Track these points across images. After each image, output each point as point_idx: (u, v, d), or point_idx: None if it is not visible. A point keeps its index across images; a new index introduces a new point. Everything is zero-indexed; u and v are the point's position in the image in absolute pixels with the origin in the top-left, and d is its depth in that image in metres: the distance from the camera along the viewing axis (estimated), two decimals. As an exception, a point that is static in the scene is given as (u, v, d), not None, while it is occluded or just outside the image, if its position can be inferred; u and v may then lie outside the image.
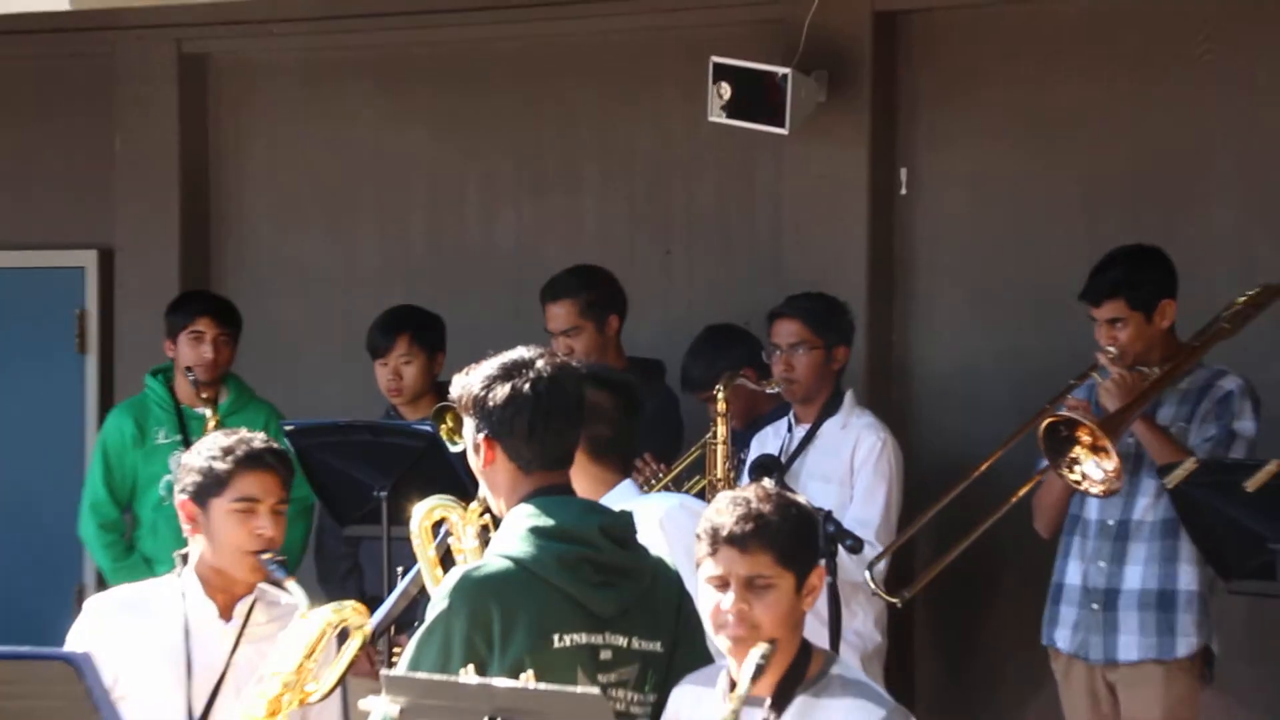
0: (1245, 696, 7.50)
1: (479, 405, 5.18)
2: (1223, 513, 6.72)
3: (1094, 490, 7.10)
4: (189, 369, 8.74)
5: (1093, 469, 7.08)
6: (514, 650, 4.98)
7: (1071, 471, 7.10)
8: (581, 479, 5.55)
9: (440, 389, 8.14)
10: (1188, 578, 7.33)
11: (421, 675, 4.86)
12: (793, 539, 4.65)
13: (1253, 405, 7.33)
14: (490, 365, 5.22)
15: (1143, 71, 8.32)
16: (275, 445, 5.88)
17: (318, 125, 9.68)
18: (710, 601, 4.67)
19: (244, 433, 5.84)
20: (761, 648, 4.53)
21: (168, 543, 8.43)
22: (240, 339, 8.93)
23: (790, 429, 7.93)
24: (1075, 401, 7.27)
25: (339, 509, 8.12)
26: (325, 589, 8.57)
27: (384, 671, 4.84)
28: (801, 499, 4.76)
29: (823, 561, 5.29)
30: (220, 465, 5.72)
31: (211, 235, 9.90)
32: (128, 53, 9.72)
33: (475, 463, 5.23)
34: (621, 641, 5.12)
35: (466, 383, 5.23)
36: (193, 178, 9.84)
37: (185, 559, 5.81)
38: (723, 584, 4.64)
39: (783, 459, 7.80)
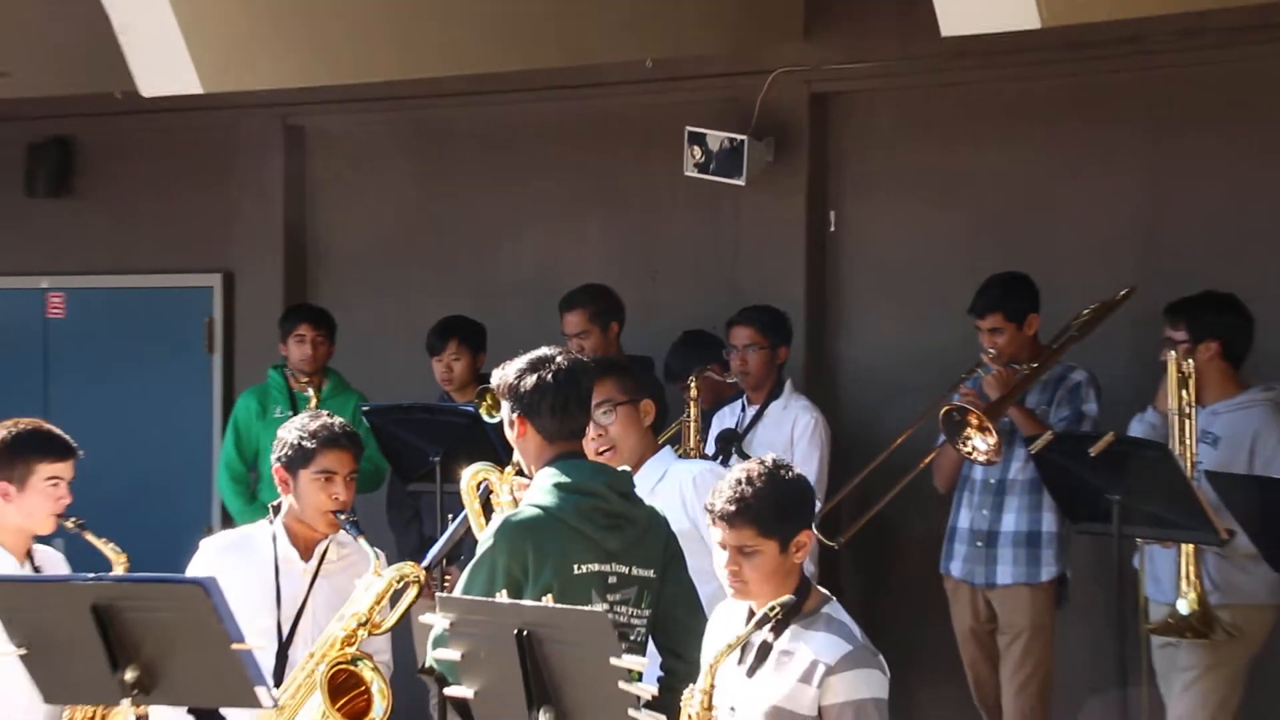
0: (1088, 610, 7.50)
1: (513, 390, 5.19)
2: (1073, 472, 6.71)
3: (980, 459, 7.13)
4: (296, 364, 8.76)
5: (979, 443, 7.10)
6: (544, 577, 4.99)
7: (965, 445, 7.12)
8: (639, 443, 5.65)
9: (482, 380, 8.16)
10: (1049, 522, 7.35)
11: (467, 597, 4.89)
12: (773, 513, 4.53)
13: (1096, 392, 7.36)
14: (521, 360, 5.23)
15: (1013, 139, 8.32)
16: (350, 428, 5.82)
17: (386, 178, 9.64)
18: (717, 558, 4.63)
19: (326, 417, 5.79)
20: (781, 600, 4.44)
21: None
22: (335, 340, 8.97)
23: (744, 409, 7.92)
24: (967, 390, 7.29)
25: (404, 470, 8.13)
26: (394, 531, 8.61)
27: (439, 595, 4.84)
28: (794, 474, 4.62)
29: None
30: (308, 443, 5.68)
31: (308, 262, 9.90)
32: (245, 125, 9.70)
33: (510, 435, 5.24)
34: (624, 570, 5.13)
35: (504, 374, 5.23)
36: (292, 218, 9.83)
37: (277, 510, 5.78)
38: (721, 547, 4.58)
39: (739, 432, 7.83)
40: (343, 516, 5.66)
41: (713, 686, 4.43)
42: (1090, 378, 7.36)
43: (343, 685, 5.37)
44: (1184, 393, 6.73)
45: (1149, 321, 7.37)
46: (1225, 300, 6.97)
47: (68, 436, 5.84)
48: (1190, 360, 6.78)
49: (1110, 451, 6.51)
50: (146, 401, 9.97)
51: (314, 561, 5.73)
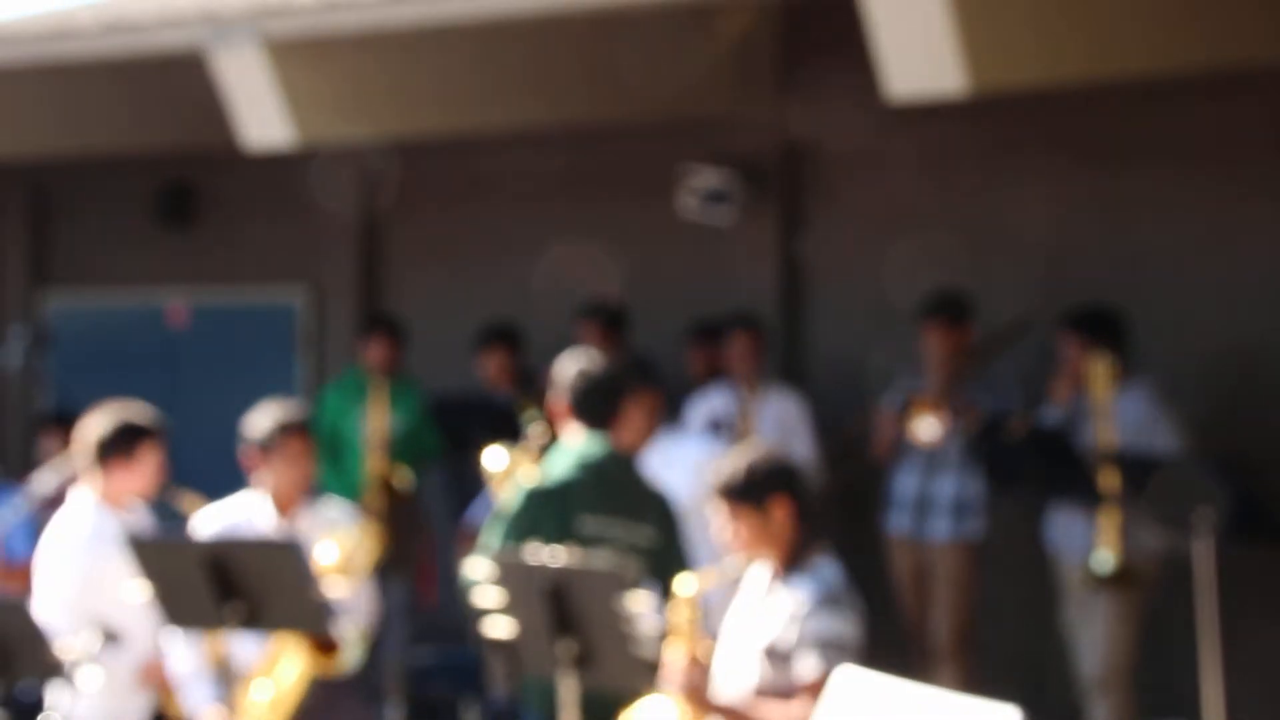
0: (1007, 561, 7.49)
1: (562, 384, 5.27)
2: (997, 450, 6.78)
3: (932, 435, 7.12)
4: (374, 364, 8.74)
5: (931, 422, 7.10)
6: (556, 535, 5.00)
7: (915, 428, 7.12)
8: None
9: (520, 376, 8.19)
10: (978, 488, 7.33)
11: (503, 550, 4.94)
12: (741, 486, 4.58)
13: (1019, 384, 7.33)
14: (568, 358, 5.33)
15: (953, 179, 8.31)
16: (304, 416, 5.86)
17: (442, 212, 9.65)
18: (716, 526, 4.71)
19: (290, 407, 5.85)
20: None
21: (356, 468, 8.51)
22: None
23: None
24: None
25: (455, 445, 8.17)
26: (445, 494, 8.63)
27: (481, 550, 4.86)
28: (763, 453, 4.67)
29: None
30: (272, 431, 5.71)
31: (382, 280, 9.90)
32: (328, 170, 9.71)
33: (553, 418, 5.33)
34: (623, 533, 5.16)
35: (555, 370, 5.33)
36: (366, 244, 9.86)
37: (259, 485, 5.79)
38: (718, 515, 4.65)
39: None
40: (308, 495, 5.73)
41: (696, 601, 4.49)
42: (1015, 371, 7.35)
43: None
44: (1103, 387, 6.68)
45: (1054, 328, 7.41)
46: (1109, 313, 6.98)
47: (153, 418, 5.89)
48: (1102, 360, 6.72)
49: (1025, 435, 6.57)
50: (247, 398, 9.97)
51: (290, 522, 5.73)
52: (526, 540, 4.95)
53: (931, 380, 7.28)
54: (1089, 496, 6.54)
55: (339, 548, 5.54)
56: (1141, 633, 6.88)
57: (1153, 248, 7.80)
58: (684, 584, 4.57)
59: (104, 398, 6.05)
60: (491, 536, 5.05)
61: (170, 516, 6.11)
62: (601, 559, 4.72)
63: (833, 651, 4.42)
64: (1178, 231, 7.76)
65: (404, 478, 8.53)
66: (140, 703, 5.69)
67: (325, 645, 5.40)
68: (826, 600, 4.49)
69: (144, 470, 5.78)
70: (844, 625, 4.48)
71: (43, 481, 6.37)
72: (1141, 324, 7.09)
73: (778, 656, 4.49)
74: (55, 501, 6.32)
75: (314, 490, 5.82)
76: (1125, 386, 6.79)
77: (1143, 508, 6.22)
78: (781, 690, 4.45)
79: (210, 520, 5.75)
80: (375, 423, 8.59)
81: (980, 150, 8.21)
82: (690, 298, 8.74)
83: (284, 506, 5.74)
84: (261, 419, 5.77)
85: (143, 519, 5.90)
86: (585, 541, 5.03)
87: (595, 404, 5.23)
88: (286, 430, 5.70)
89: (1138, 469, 6.24)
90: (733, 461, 4.64)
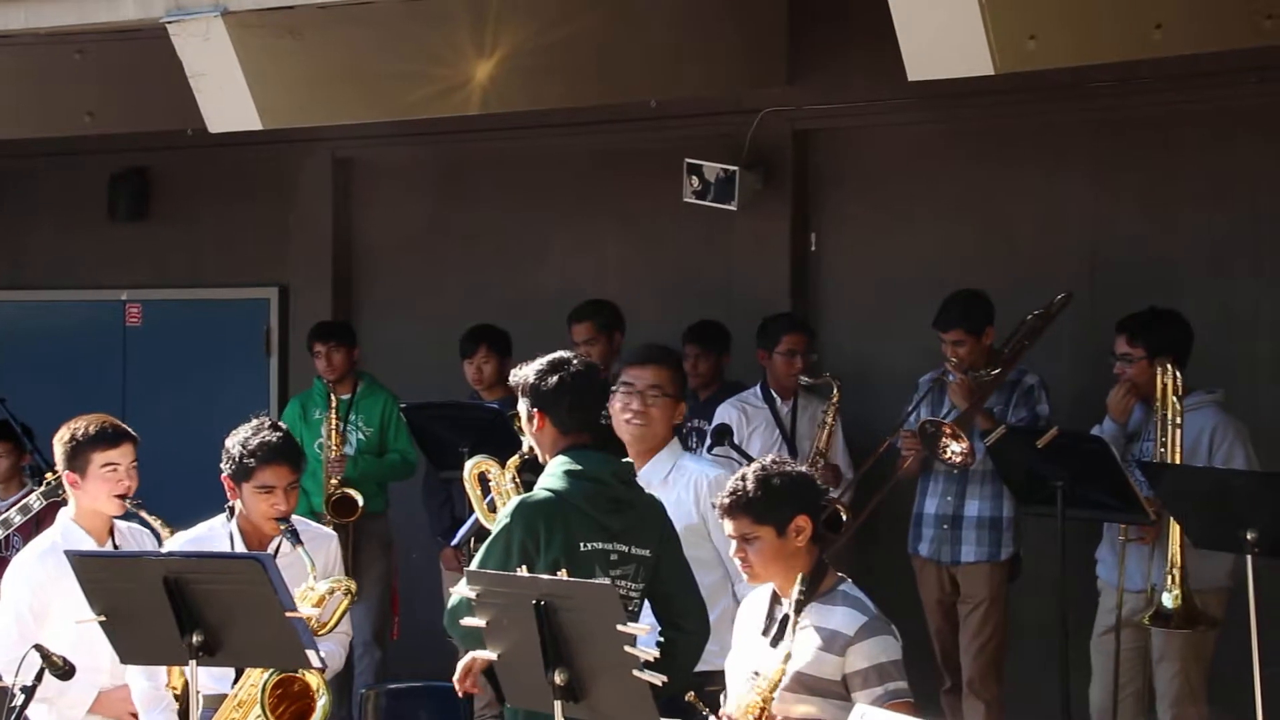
0: (1036, 583, 7.47)
1: (534, 388, 5.14)
2: (1022, 462, 6.71)
3: (956, 461, 7.09)
4: (323, 374, 8.76)
5: (955, 448, 7.06)
6: (553, 552, 4.96)
7: (944, 453, 7.09)
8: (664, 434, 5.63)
9: (507, 380, 8.15)
10: (1008, 508, 7.30)
11: (491, 570, 4.89)
12: (763, 503, 4.49)
13: (1046, 394, 7.34)
14: (541, 361, 5.19)
15: (971, 170, 8.32)
16: (290, 440, 5.62)
17: (423, 203, 9.61)
18: (730, 549, 4.62)
19: (268, 432, 5.56)
20: (797, 588, 4.43)
21: (319, 483, 8.51)
22: (364, 346, 8.91)
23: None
24: (947, 423, 7.18)
25: (437, 459, 8.10)
26: (428, 513, 8.61)
27: (466, 569, 4.82)
28: (786, 469, 4.56)
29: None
30: (248, 460, 5.51)
31: (353, 277, 9.87)
32: (298, 157, 9.71)
33: (528, 428, 5.19)
34: (624, 548, 5.10)
35: (524, 373, 5.18)
36: (340, 239, 9.81)
37: (233, 511, 5.62)
38: (730, 539, 4.59)
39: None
40: (284, 526, 5.50)
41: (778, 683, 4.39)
42: (1041, 381, 7.34)
43: (288, 687, 5.28)
44: (1173, 399, 6.58)
45: (1087, 329, 7.38)
46: (1173, 316, 6.87)
47: (124, 425, 5.76)
48: (1171, 369, 6.63)
49: (1055, 444, 6.50)
50: (211, 399, 9.96)
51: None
52: (521, 558, 4.91)
53: (953, 393, 7.26)
54: (1131, 514, 6.50)
55: (311, 598, 5.38)
56: (1210, 672, 6.84)
57: (1191, 241, 7.79)
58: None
59: (52, 405, 5.99)
60: (487, 554, 5.00)
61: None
62: (598, 579, 4.68)
63: (891, 677, 4.39)
64: (1226, 214, 7.74)
65: (363, 496, 8.50)
66: None
67: (301, 706, 5.30)
68: (873, 625, 4.44)
69: (95, 486, 5.66)
70: (895, 648, 4.45)
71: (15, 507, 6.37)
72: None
73: (809, 689, 4.42)
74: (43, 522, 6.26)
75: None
76: (1189, 399, 6.67)
77: (1186, 526, 6.20)
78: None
79: (176, 548, 5.57)
80: (327, 438, 8.60)
81: (1004, 137, 8.21)
82: (697, 290, 8.72)
83: (256, 537, 5.59)
84: (237, 440, 5.58)
85: (134, 535, 5.76)
86: (586, 559, 4.99)
87: (586, 408, 5.20)
88: (264, 460, 5.49)
89: (1183, 484, 6.21)
90: (747, 476, 4.55)
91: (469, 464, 5.47)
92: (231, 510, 5.62)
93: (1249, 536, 5.66)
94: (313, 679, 5.26)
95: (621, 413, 5.65)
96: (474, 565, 4.97)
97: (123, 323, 10.36)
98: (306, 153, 9.61)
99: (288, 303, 9.97)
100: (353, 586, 5.43)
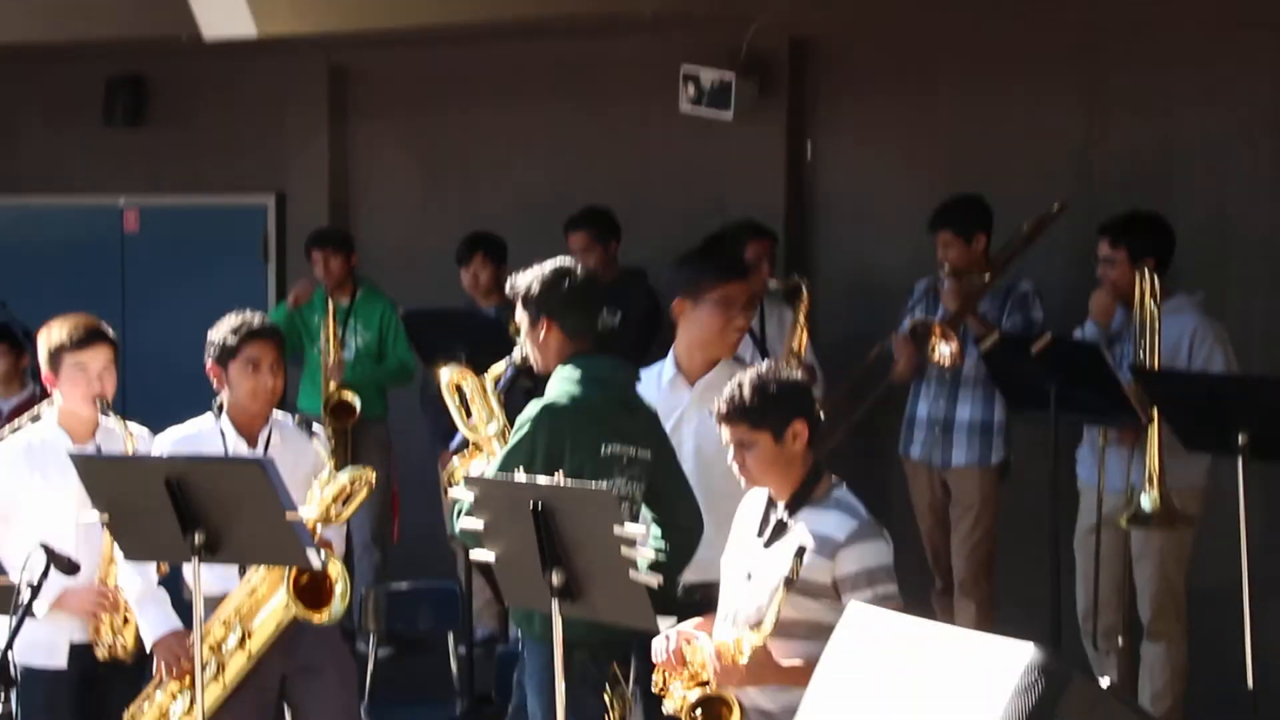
0: (1026, 487, 7.52)
1: (542, 295, 5.16)
2: (1016, 368, 6.73)
3: (946, 363, 7.11)
4: (323, 281, 8.79)
5: (944, 349, 7.10)
6: (578, 456, 5.00)
7: (933, 354, 7.12)
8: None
9: (504, 287, 8.16)
10: (1000, 413, 7.35)
11: (488, 476, 4.92)
12: (760, 408, 4.49)
13: (1040, 300, 7.37)
14: (544, 268, 5.19)
15: (967, 78, 8.28)
16: (269, 322, 5.71)
17: (417, 111, 9.57)
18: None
19: (248, 314, 5.63)
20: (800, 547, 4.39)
21: (318, 388, 8.55)
22: (361, 252, 8.91)
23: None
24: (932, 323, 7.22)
25: (435, 364, 8.00)
26: (426, 418, 8.61)
27: (465, 474, 4.85)
28: (781, 375, 4.57)
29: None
30: (230, 339, 5.55)
31: (349, 184, 9.84)
32: (294, 64, 9.66)
33: (531, 335, 5.19)
34: (633, 451, 5.15)
35: (526, 280, 5.20)
36: (336, 146, 9.77)
37: (221, 407, 5.61)
38: (728, 445, 4.59)
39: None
40: (293, 418, 5.56)
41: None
42: (1035, 288, 7.36)
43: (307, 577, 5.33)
44: (1151, 302, 6.61)
45: (1081, 234, 7.39)
46: (1154, 220, 6.90)
47: (102, 328, 5.70)
48: (1150, 273, 6.66)
49: (1049, 350, 6.53)
50: (209, 305, 9.92)
51: (259, 447, 5.60)
52: (545, 463, 4.91)
53: (946, 296, 7.28)
54: (1122, 417, 6.55)
55: (331, 488, 5.41)
56: (1188, 571, 6.92)
57: (1186, 142, 7.79)
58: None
59: (50, 311, 5.98)
60: (510, 457, 4.99)
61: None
62: (600, 483, 4.69)
63: (881, 581, 4.43)
64: (1218, 120, 7.74)
65: (360, 399, 8.55)
66: (67, 633, 5.62)
67: (314, 592, 5.32)
68: (863, 530, 4.47)
69: (68, 388, 5.61)
70: (886, 552, 4.48)
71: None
72: (1179, 229, 7.06)
73: (801, 590, 4.42)
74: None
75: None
76: (1171, 302, 6.73)
77: (1177, 429, 6.25)
78: (801, 627, 4.44)
79: (165, 445, 5.59)
80: (326, 343, 8.64)
81: (998, 43, 8.18)
82: (690, 204, 8.72)
83: (247, 427, 5.60)
84: (219, 329, 5.61)
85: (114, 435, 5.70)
86: (606, 463, 5.04)
87: (592, 314, 5.21)
88: (245, 336, 5.53)
89: (1176, 387, 6.26)
90: (743, 383, 4.55)
91: (444, 374, 5.45)
92: (220, 407, 5.61)
93: (1241, 440, 5.73)
94: (334, 568, 5.31)
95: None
96: (493, 469, 5.01)
97: (121, 229, 10.35)
98: (303, 59, 9.56)
99: (284, 209, 9.95)
100: (373, 479, 5.47)
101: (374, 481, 5.45)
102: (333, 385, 8.63)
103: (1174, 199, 7.53)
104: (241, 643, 5.43)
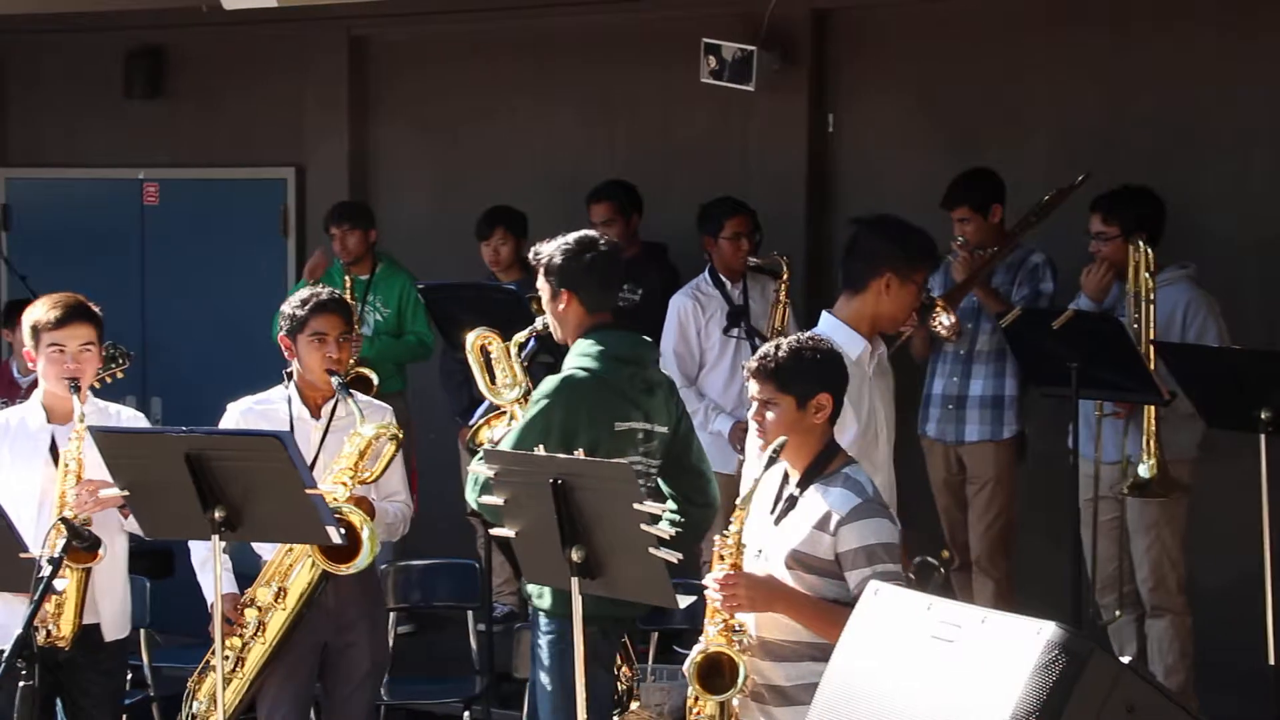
0: (1046, 464, 7.51)
1: (564, 267, 5.15)
2: (1037, 343, 6.72)
3: (942, 333, 7.10)
4: (340, 256, 8.79)
5: (944, 320, 7.09)
6: (594, 431, 5.02)
7: (934, 324, 7.10)
8: None
9: (524, 262, 8.17)
10: (1011, 387, 7.35)
11: (507, 449, 4.94)
12: (790, 373, 4.52)
13: (1052, 272, 7.35)
14: (567, 240, 5.19)
15: (987, 50, 8.25)
16: (339, 295, 5.86)
17: (438, 83, 9.55)
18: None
19: (317, 288, 5.80)
20: (776, 443, 4.47)
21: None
22: (381, 227, 8.89)
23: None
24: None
25: (453, 339, 8.01)
26: (446, 393, 8.66)
27: (485, 446, 4.85)
28: (820, 346, 4.60)
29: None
30: (300, 311, 5.68)
31: (368, 157, 9.83)
32: (314, 35, 9.65)
33: (551, 307, 5.19)
34: (649, 427, 5.17)
35: (549, 250, 5.19)
36: (357, 120, 9.75)
37: (291, 375, 5.77)
38: (753, 401, 4.62)
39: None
40: (335, 380, 5.64)
41: (740, 532, 4.45)
42: (1048, 259, 7.35)
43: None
44: (1146, 275, 6.63)
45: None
46: (1146, 193, 6.89)
47: (85, 307, 5.70)
48: (1143, 246, 6.69)
49: (1070, 325, 6.52)
50: (228, 279, 9.99)
51: (324, 419, 5.72)
52: (561, 436, 4.93)
53: (955, 269, 7.28)
54: (1144, 392, 6.53)
55: (357, 444, 5.50)
56: (1187, 538, 6.94)
57: (1202, 115, 7.76)
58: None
59: (70, 284, 5.98)
60: (526, 431, 5.00)
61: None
62: (619, 459, 4.70)
63: (880, 559, 4.43)
64: (1235, 99, 7.72)
65: (380, 376, 8.55)
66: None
67: (345, 549, 5.36)
68: (867, 506, 4.48)
69: (45, 367, 5.61)
70: (889, 531, 4.48)
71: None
72: (1193, 202, 7.03)
73: (806, 566, 4.47)
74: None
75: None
76: (1163, 275, 6.74)
77: (1198, 404, 6.24)
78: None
79: (234, 414, 5.73)
80: None
81: (1018, 15, 8.14)
82: (713, 178, 8.69)
83: (312, 398, 5.73)
84: (290, 301, 5.75)
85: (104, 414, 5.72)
86: (621, 439, 5.05)
87: (613, 287, 5.18)
88: (313, 309, 5.67)
89: (1191, 361, 6.24)
90: (782, 345, 4.57)
91: (470, 336, 5.50)
92: (290, 375, 5.75)
93: (1263, 416, 5.73)
94: (356, 517, 5.35)
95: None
96: (509, 441, 5.01)
97: (140, 201, 10.36)
98: (322, 31, 9.55)
99: (304, 183, 9.95)
100: (399, 432, 5.54)
101: (400, 435, 5.53)
102: (350, 361, 8.61)
103: (1195, 172, 7.49)
104: (278, 597, 5.55)
